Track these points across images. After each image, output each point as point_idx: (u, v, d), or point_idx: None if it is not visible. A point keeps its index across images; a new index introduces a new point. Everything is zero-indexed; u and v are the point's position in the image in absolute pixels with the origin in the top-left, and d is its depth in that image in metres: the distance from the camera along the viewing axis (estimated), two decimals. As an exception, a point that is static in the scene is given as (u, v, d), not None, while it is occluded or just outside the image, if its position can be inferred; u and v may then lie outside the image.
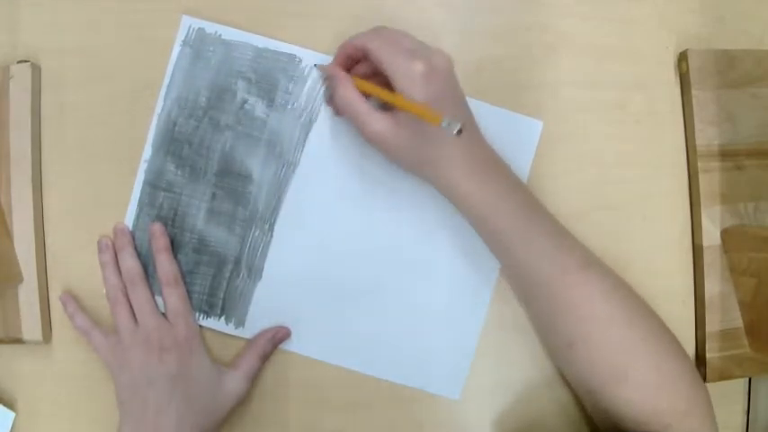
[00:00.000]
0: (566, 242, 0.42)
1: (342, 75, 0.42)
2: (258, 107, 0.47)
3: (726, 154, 0.47)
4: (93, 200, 0.47)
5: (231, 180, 0.47)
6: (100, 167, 0.47)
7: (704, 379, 0.46)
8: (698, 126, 0.47)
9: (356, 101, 0.41)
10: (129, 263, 0.45)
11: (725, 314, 0.46)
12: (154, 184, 0.47)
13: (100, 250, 0.46)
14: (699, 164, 0.47)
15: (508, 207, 0.41)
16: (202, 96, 0.47)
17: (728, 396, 0.48)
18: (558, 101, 0.48)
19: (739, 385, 0.48)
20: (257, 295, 0.47)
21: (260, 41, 0.47)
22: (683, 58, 0.48)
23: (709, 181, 0.47)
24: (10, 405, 0.47)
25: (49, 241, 0.47)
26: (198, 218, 0.47)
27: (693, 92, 0.47)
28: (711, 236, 0.47)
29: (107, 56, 0.48)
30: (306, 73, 0.47)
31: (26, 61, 0.47)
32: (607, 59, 0.48)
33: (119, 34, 0.48)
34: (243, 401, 0.45)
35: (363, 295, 0.47)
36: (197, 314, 0.47)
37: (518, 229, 0.41)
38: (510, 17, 0.48)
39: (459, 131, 0.36)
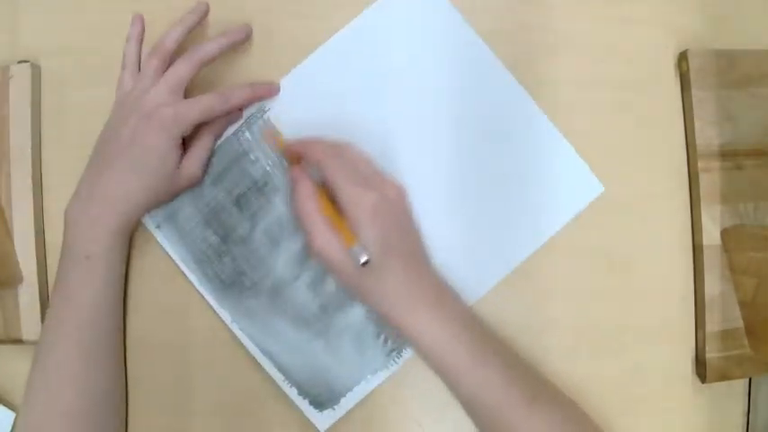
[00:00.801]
0: (514, 374, 0.40)
1: (303, 181, 0.41)
2: (252, 193, 0.47)
3: (726, 154, 0.47)
4: (93, 200, 0.47)
5: (300, 258, 0.46)
6: (100, 167, 0.47)
7: (704, 379, 0.46)
8: (698, 126, 0.47)
9: (313, 212, 0.40)
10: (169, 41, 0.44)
11: (725, 314, 0.46)
12: (258, 330, 0.46)
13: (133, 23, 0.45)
14: (699, 164, 0.47)
15: (453, 342, 0.40)
16: (210, 236, 0.46)
17: (728, 396, 0.48)
18: (558, 101, 0.48)
19: (739, 385, 0.48)
20: None
21: None
22: (682, 58, 0.48)
23: (709, 181, 0.47)
24: (10, 405, 0.47)
25: (48, 241, 0.47)
26: (317, 310, 0.46)
27: (693, 92, 0.47)
28: (711, 236, 0.47)
29: (107, 56, 0.48)
30: (249, 144, 0.47)
31: (26, 61, 0.47)
32: (607, 59, 0.48)
33: (118, 34, 0.47)
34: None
35: (464, 210, 0.47)
36: (393, 361, 0.46)
37: (464, 365, 0.39)
38: (510, 17, 0.48)
39: (365, 263, 0.38)
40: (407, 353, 0.46)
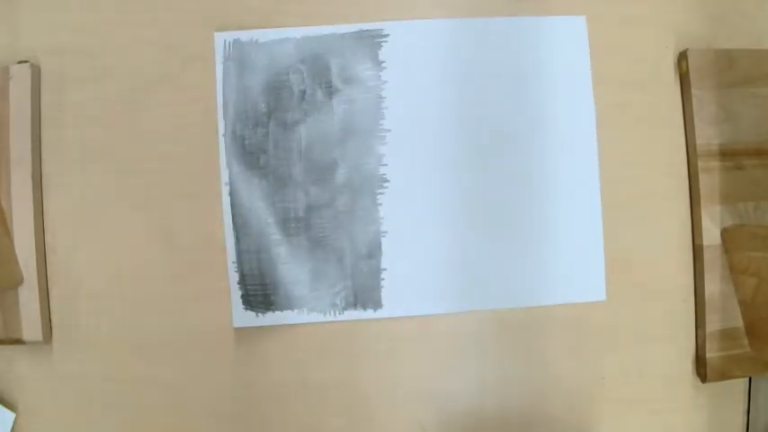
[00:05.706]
0: None
1: None
2: (318, 93, 0.46)
3: (726, 153, 0.47)
4: (93, 200, 0.47)
5: (319, 172, 0.46)
6: (100, 167, 0.47)
7: (704, 379, 0.46)
8: (698, 126, 0.47)
9: None
10: None
11: (725, 314, 0.46)
12: (242, 203, 0.46)
13: None
14: (699, 163, 0.47)
15: None
16: (261, 103, 0.46)
17: (728, 396, 0.48)
18: (558, 101, 0.48)
19: (739, 385, 0.48)
20: (384, 270, 0.46)
21: (296, 32, 0.46)
22: (682, 57, 0.48)
23: (709, 180, 0.47)
24: (10, 405, 0.47)
25: (48, 241, 0.47)
26: (300, 220, 0.46)
27: (693, 91, 0.47)
28: (711, 235, 0.47)
29: (107, 56, 0.48)
30: (353, 48, 0.46)
31: (26, 61, 0.47)
32: (607, 59, 0.48)
33: (119, 34, 0.48)
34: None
35: (481, 230, 0.47)
36: (332, 312, 0.46)
37: None
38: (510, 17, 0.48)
39: None
40: (348, 314, 0.46)
